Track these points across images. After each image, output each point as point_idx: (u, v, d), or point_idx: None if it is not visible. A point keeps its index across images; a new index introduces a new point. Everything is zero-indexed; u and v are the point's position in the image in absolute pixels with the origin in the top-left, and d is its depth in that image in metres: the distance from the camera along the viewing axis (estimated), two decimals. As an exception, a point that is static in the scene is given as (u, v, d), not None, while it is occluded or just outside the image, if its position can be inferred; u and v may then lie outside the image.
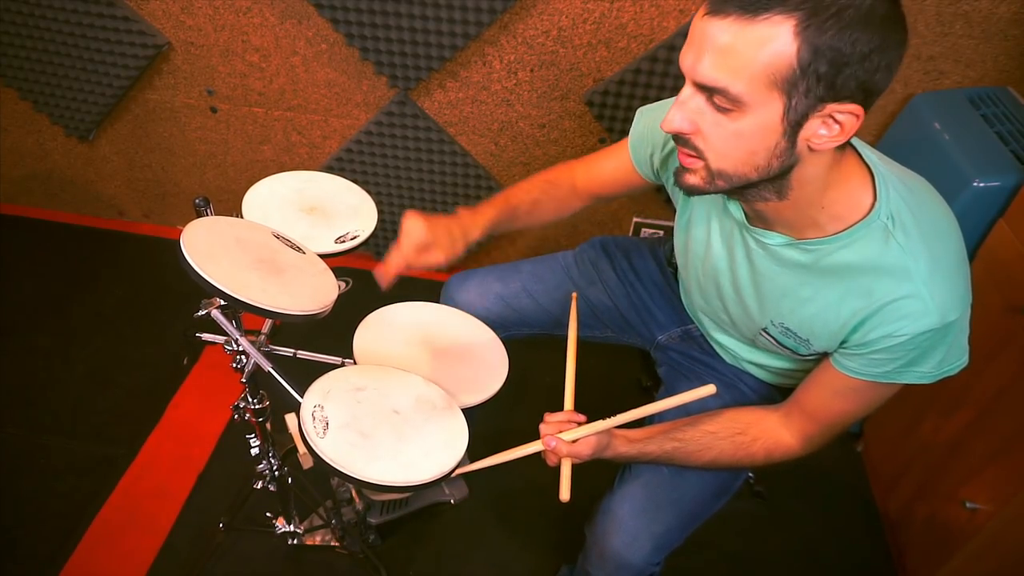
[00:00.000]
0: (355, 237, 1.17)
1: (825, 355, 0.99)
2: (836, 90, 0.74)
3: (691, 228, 1.10)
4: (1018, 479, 1.27)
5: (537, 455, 1.04)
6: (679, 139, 0.83)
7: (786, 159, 0.80)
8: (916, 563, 1.58)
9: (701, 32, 0.75)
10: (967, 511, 1.37)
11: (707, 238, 1.06)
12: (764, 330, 1.05)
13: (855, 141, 0.88)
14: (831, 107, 0.75)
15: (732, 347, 1.22)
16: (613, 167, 1.22)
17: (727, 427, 1.05)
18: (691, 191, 0.87)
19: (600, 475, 1.18)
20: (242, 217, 1.16)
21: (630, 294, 1.35)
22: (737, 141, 0.79)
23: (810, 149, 0.79)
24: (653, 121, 1.12)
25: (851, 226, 0.88)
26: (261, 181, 1.24)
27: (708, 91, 0.77)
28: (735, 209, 0.97)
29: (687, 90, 0.79)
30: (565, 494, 0.97)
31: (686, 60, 0.78)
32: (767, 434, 1.05)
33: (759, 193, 0.86)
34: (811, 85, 0.73)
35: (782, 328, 1.01)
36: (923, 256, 0.85)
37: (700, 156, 0.82)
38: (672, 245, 1.26)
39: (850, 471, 1.86)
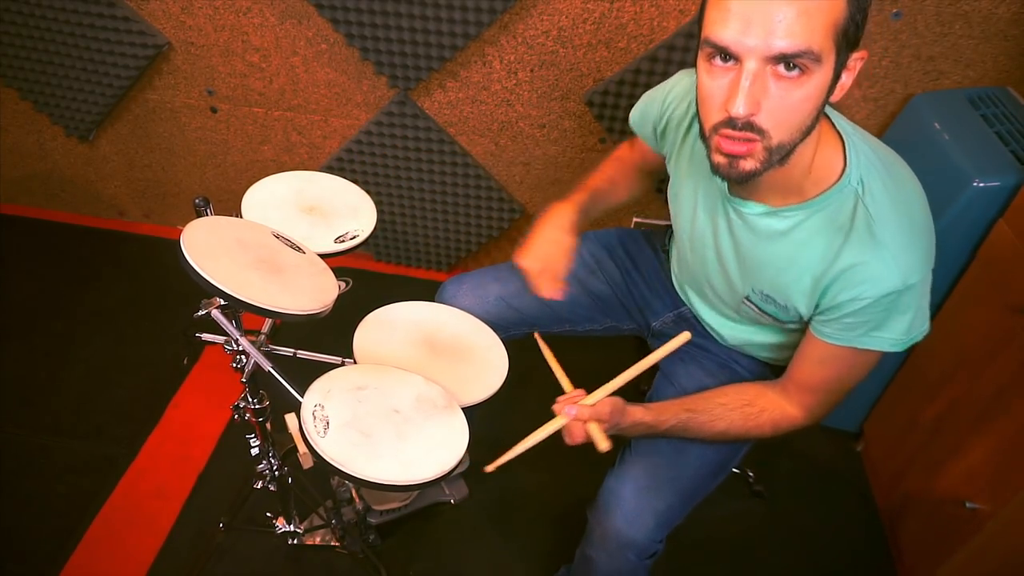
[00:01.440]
0: (355, 237, 1.18)
1: (807, 325, 1.03)
2: (859, 37, 0.79)
3: (680, 199, 1.13)
4: (1018, 479, 1.27)
5: (557, 440, 1.03)
6: (732, 126, 0.81)
7: (818, 117, 0.84)
8: (916, 563, 1.58)
9: (762, 8, 0.75)
10: (967, 511, 1.37)
11: (693, 210, 1.10)
12: (747, 298, 1.09)
13: (828, 108, 0.91)
14: (854, 55, 0.82)
15: (720, 326, 1.24)
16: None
17: (735, 399, 1.09)
18: (747, 177, 0.85)
19: (601, 464, 1.18)
20: (241, 217, 1.16)
21: (627, 282, 1.38)
22: (803, 106, 0.80)
23: (828, 104, 0.84)
24: (651, 100, 1.19)
25: (825, 191, 0.92)
26: (261, 181, 1.24)
27: (784, 60, 0.76)
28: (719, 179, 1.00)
29: (750, 70, 0.77)
30: (605, 444, 0.97)
31: (748, 40, 0.76)
32: (772, 406, 1.09)
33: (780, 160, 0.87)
34: (851, 35, 0.78)
35: (762, 295, 1.05)
36: (890, 221, 0.90)
37: (760, 135, 0.81)
38: (670, 233, 1.32)
39: (850, 471, 1.86)
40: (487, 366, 1.16)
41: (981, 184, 1.39)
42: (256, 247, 1.01)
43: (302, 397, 0.96)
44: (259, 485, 1.36)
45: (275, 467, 1.34)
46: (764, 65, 0.77)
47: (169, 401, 1.89)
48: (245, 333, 1.06)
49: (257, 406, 1.21)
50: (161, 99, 2.06)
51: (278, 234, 1.08)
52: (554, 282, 1.11)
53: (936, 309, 1.60)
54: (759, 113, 0.79)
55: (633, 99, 1.78)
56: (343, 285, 1.08)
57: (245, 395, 1.19)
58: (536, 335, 1.20)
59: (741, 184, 0.91)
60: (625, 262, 1.39)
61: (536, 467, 1.81)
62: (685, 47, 1.67)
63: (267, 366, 1.04)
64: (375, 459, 0.91)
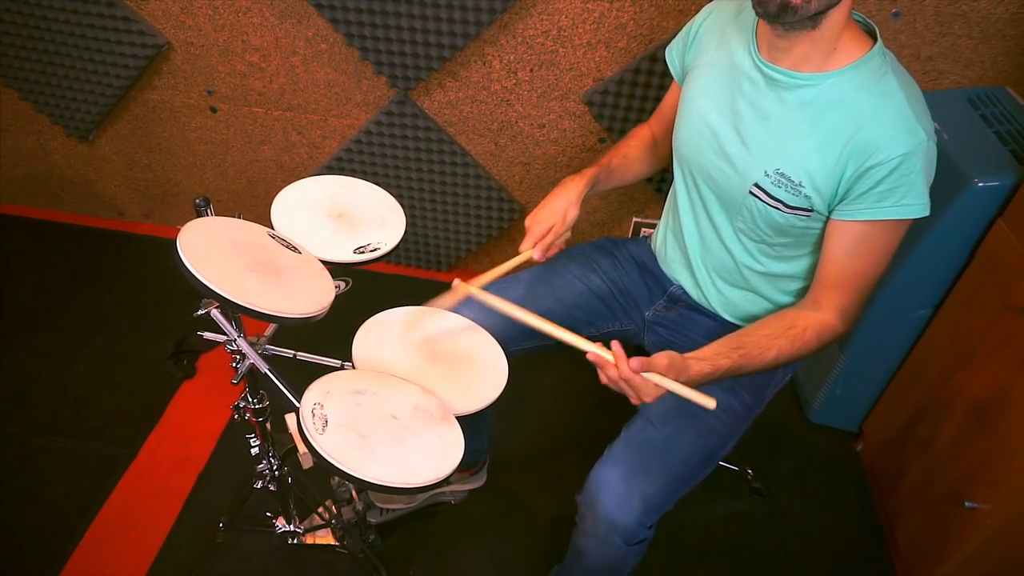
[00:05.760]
0: (375, 250, 1.15)
1: (816, 226, 1.12)
2: None
3: (695, 100, 1.20)
4: (1018, 479, 1.27)
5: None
6: None
7: None
8: (915, 563, 1.58)
9: None
10: (967, 511, 1.37)
11: (714, 100, 1.17)
12: (756, 184, 1.12)
13: (862, 17, 1.07)
14: None
15: (708, 285, 1.30)
16: (670, 99, 1.35)
17: (778, 326, 1.13)
18: (800, 8, 0.95)
19: (596, 452, 1.20)
20: (270, 215, 1.15)
21: (623, 277, 1.42)
22: None
23: None
24: (691, 22, 1.26)
25: (853, 62, 1.03)
26: (299, 181, 1.23)
27: None
28: (749, 56, 1.11)
29: None
30: (709, 401, 0.95)
31: None
32: (811, 321, 1.13)
33: (813, 19, 0.97)
34: None
35: (776, 176, 1.10)
36: (909, 90, 1.03)
37: None
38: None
39: (850, 471, 1.86)
40: (487, 374, 1.14)
41: (981, 184, 1.39)
42: (253, 248, 1.01)
43: (298, 401, 0.96)
44: (259, 485, 1.36)
45: (275, 467, 1.34)
46: None
47: (169, 401, 1.89)
48: (244, 334, 1.06)
49: (257, 406, 1.21)
50: (161, 99, 2.06)
51: (273, 234, 1.08)
52: (544, 244, 1.20)
53: (936, 309, 1.60)
54: None
55: (633, 99, 1.79)
56: (342, 285, 1.08)
57: (245, 395, 1.19)
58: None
59: (788, 21, 0.98)
60: (618, 258, 1.44)
61: (536, 468, 1.82)
62: (685, 47, 1.66)
63: (263, 368, 1.04)
64: (372, 460, 0.91)
